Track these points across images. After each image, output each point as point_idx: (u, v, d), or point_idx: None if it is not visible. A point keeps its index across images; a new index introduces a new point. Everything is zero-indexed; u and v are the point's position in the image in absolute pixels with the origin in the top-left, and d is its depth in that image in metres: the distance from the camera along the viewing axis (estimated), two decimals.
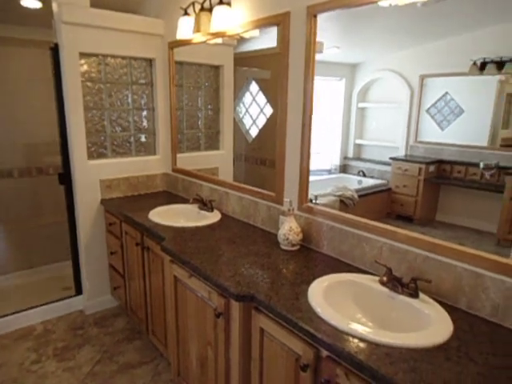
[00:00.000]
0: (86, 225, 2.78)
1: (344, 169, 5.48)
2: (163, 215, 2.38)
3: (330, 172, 5.43)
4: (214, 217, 2.32)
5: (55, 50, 2.56)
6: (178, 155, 2.95)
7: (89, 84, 2.66)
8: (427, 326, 1.21)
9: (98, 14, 2.52)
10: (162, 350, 2.30)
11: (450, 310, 1.30)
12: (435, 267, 1.39)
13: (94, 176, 2.73)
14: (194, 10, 2.31)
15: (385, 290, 1.40)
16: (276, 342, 1.35)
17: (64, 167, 2.73)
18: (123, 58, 2.77)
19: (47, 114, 3.44)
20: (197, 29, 2.27)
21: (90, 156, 2.73)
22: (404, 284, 1.37)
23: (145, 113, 2.97)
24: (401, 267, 1.50)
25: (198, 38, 2.41)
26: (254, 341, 1.46)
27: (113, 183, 2.82)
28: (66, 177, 2.75)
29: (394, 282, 1.38)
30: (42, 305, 2.80)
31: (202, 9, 2.23)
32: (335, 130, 5.21)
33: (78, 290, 2.94)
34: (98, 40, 2.58)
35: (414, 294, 1.34)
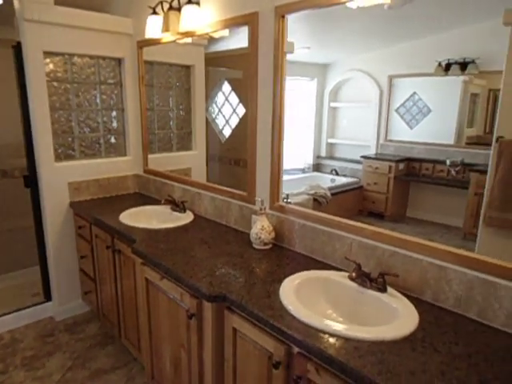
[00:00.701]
0: (55, 229, 2.69)
1: (317, 167, 5.56)
2: (135, 217, 2.34)
3: (303, 171, 5.49)
4: (186, 218, 2.31)
5: (18, 49, 2.47)
6: (150, 156, 2.91)
7: (55, 84, 2.58)
8: (395, 319, 1.25)
9: (63, 11, 2.45)
10: (135, 354, 2.26)
11: (417, 302, 1.34)
12: (402, 262, 1.43)
13: (61, 178, 2.65)
14: (163, 9, 2.28)
15: (354, 285, 1.43)
16: (249, 341, 1.36)
17: (29, 169, 2.64)
18: (91, 57, 2.70)
19: (10, 114, 3.32)
20: (165, 28, 2.24)
21: (57, 158, 2.65)
22: (372, 279, 1.40)
23: (114, 113, 2.91)
24: (370, 263, 1.53)
25: (167, 37, 2.38)
26: (226, 341, 1.46)
27: (82, 185, 2.75)
28: (31, 179, 2.65)
29: (363, 278, 1.42)
30: (9, 313, 2.69)
31: (171, 8, 2.21)
32: (308, 129, 5.28)
33: (48, 296, 2.85)
34: (64, 39, 2.51)
35: (382, 289, 1.37)
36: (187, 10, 2.03)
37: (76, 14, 2.51)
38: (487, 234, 1.63)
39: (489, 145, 1.60)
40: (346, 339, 1.14)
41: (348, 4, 1.55)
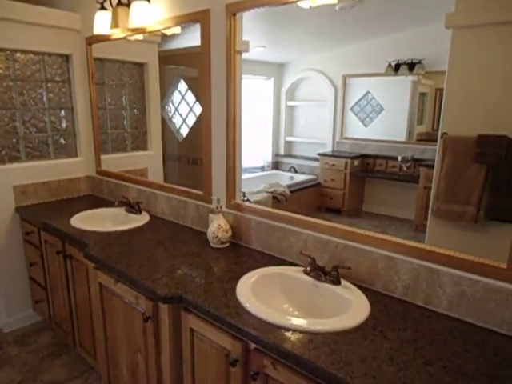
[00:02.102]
0: None
1: (276, 165, 5.61)
2: (87, 220, 2.25)
3: (263, 169, 5.53)
4: (142, 219, 2.25)
5: None
6: (103, 156, 2.80)
7: None
8: (348, 309, 1.29)
9: (3, 4, 2.30)
10: (91, 363, 2.18)
11: (368, 292, 1.39)
12: (354, 254, 1.48)
13: (5, 182, 2.49)
14: (111, 5, 2.21)
15: (309, 279, 1.46)
16: (206, 341, 1.35)
17: None
18: (35, 53, 2.56)
19: None
20: (115, 24, 2.17)
21: (1, 160, 2.49)
22: (327, 272, 1.44)
23: (63, 112, 2.78)
24: (324, 257, 1.57)
25: (116, 33, 2.31)
26: (184, 342, 1.44)
27: (29, 189, 2.60)
28: None
29: (318, 271, 1.45)
30: None
31: (120, 3, 2.14)
32: (267, 128, 5.31)
33: None
34: (3, 33, 2.35)
35: (336, 281, 1.41)
36: (136, 5, 1.97)
37: (17, 8, 2.36)
38: (435, 225, 1.72)
39: (436, 141, 1.68)
40: (301, 332, 1.16)
41: (299, 3, 1.56)
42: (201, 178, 2.04)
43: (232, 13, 1.72)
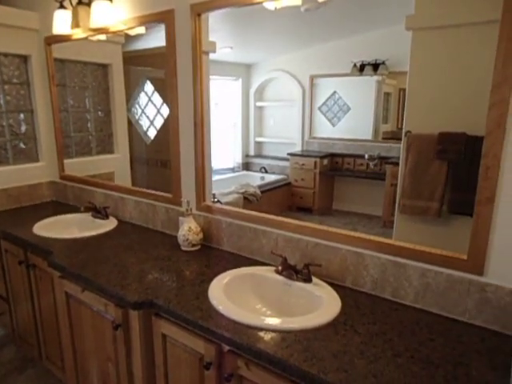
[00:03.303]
0: None
1: (247, 166, 5.61)
2: (51, 227, 2.16)
3: (233, 170, 5.51)
4: (109, 224, 2.19)
5: None
6: (66, 161, 2.70)
7: None
8: (319, 306, 1.31)
9: None
10: (59, 376, 2.09)
11: (339, 289, 1.42)
12: (324, 252, 1.50)
13: None
14: (71, 4, 2.13)
15: (281, 278, 1.47)
16: (179, 346, 1.33)
17: None
18: None
19: None
20: (75, 24, 2.10)
21: None
22: (298, 271, 1.45)
23: (22, 116, 2.65)
24: (295, 255, 1.58)
25: (77, 33, 2.23)
26: (156, 348, 1.42)
27: None
28: None
29: (289, 270, 1.46)
30: None
31: (80, 2, 2.08)
32: (236, 128, 5.30)
33: None
34: None
35: (308, 279, 1.43)
36: (98, 5, 1.92)
37: None
38: (402, 221, 1.77)
39: (401, 139, 1.74)
40: (274, 331, 1.16)
41: (265, 4, 1.56)
42: (170, 181, 2.01)
43: (197, 13, 1.70)
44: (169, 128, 1.95)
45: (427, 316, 1.26)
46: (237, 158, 5.15)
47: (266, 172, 5.01)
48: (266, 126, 5.12)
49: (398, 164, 1.82)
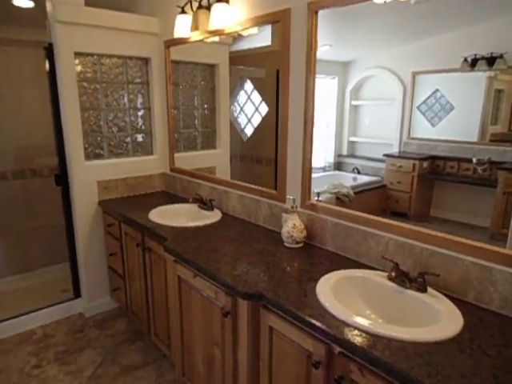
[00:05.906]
0: (84, 226, 2.74)
1: (338, 166, 5.49)
2: (163, 215, 2.36)
3: (324, 170, 5.43)
4: (214, 216, 2.31)
5: (50, 50, 2.52)
6: (176, 155, 2.92)
7: (84, 84, 2.62)
8: (438, 319, 1.22)
9: (93, 12, 2.49)
10: (164, 351, 2.28)
11: (459, 303, 1.31)
12: (441, 261, 1.40)
13: (91, 177, 2.69)
14: (192, 8, 2.29)
15: (392, 285, 1.40)
16: (285, 340, 1.35)
17: (60, 168, 2.69)
18: (118, 57, 2.73)
19: (38, 115, 3.40)
20: (195, 27, 2.25)
21: (87, 157, 2.69)
22: (412, 279, 1.37)
23: (141, 112, 2.94)
24: (406, 262, 1.50)
25: (195, 36, 2.39)
26: (262, 339, 1.46)
27: (110, 184, 2.79)
28: (62, 178, 2.71)
29: (402, 277, 1.39)
30: (40, 309, 2.75)
31: (200, 7, 2.21)
32: (329, 127, 5.22)
33: (77, 293, 2.91)
34: (93, 39, 2.54)
35: (422, 289, 1.34)
36: (217, 8, 2.02)
37: (104, 15, 2.54)
38: None
39: None
40: (389, 340, 1.11)
41: (375, 0, 1.52)
42: (263, 178, 2.04)
43: (314, 11, 1.70)
44: (266, 126, 1.98)
45: None
46: (328, 158, 5.06)
47: (359, 173, 4.83)
48: (360, 126, 4.93)
49: None
